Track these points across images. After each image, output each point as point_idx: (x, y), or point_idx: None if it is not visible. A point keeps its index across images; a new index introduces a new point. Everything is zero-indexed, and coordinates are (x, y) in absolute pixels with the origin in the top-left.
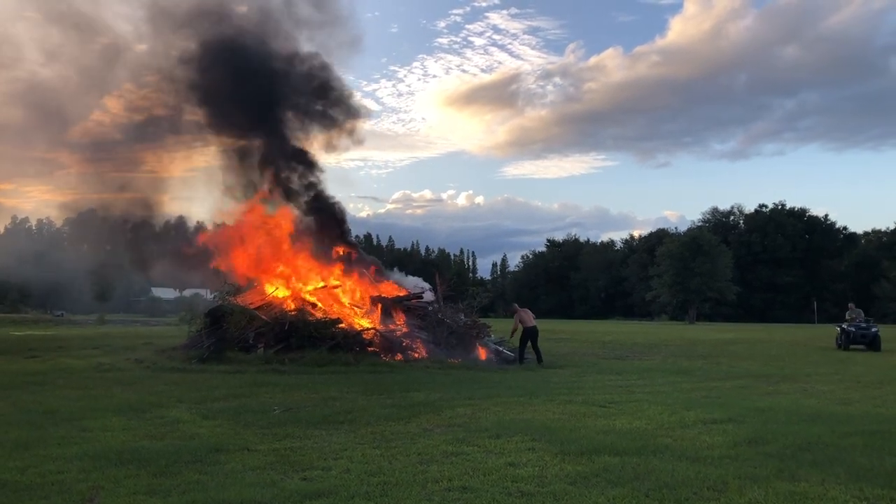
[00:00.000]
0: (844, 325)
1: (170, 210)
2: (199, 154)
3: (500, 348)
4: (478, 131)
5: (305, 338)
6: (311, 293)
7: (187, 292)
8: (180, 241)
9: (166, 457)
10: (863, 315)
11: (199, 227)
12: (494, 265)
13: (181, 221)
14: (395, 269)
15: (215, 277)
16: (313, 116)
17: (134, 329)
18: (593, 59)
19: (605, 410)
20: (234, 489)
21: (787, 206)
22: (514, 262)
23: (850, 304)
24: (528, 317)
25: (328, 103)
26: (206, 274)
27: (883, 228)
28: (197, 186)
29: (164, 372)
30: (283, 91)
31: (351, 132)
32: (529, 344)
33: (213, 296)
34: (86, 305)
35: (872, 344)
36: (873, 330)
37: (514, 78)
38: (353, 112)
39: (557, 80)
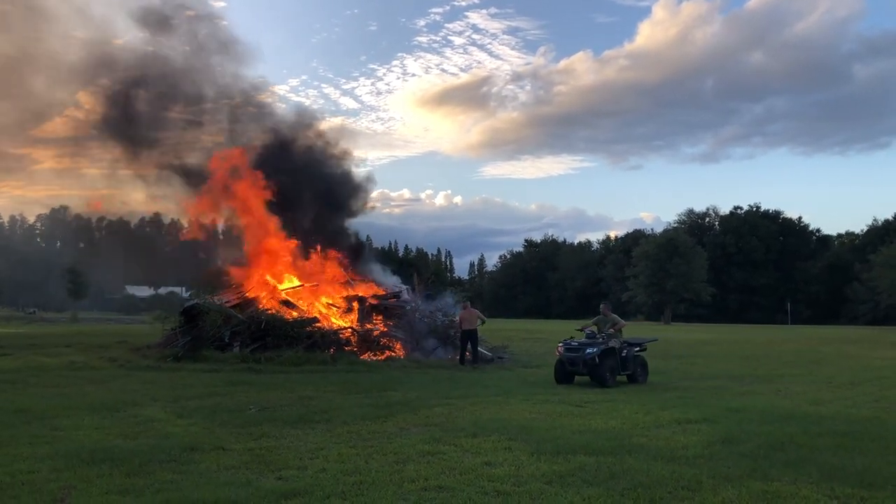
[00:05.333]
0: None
1: (146, 208)
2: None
3: (480, 348)
4: (451, 132)
5: (282, 337)
6: (287, 292)
7: (162, 290)
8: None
9: (140, 456)
10: (621, 323)
11: (175, 225)
12: (472, 265)
13: (156, 219)
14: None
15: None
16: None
17: (108, 327)
18: (563, 63)
19: (581, 410)
20: (209, 489)
21: (762, 209)
22: (492, 262)
23: (603, 305)
24: (466, 319)
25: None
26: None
27: (855, 231)
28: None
29: (139, 370)
30: None
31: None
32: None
33: (188, 293)
34: (59, 303)
35: (592, 373)
36: (589, 352)
37: (486, 80)
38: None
39: (528, 81)
